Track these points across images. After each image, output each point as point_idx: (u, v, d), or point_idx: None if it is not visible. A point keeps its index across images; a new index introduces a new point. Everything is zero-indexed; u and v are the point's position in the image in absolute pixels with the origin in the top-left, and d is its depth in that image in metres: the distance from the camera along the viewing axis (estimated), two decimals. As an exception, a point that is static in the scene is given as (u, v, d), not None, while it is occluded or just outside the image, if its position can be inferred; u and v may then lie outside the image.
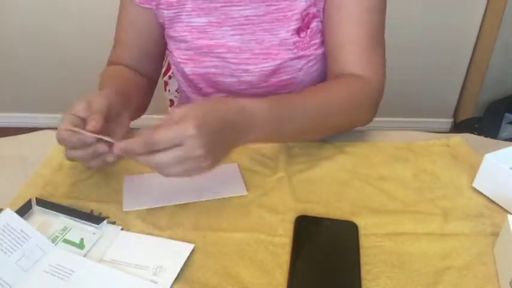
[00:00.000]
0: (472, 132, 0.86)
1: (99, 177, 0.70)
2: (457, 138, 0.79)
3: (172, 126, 0.54)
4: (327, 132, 0.76)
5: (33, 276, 0.54)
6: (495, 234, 0.60)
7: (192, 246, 0.58)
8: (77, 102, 0.62)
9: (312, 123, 0.70)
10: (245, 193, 0.67)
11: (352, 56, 0.76)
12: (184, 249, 0.57)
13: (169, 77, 1.15)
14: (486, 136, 0.88)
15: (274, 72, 0.83)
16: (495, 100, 2.18)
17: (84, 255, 0.57)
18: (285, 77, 0.83)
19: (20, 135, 0.81)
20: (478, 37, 2.05)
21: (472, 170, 0.70)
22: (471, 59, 2.11)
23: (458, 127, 2.22)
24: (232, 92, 0.88)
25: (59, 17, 2.00)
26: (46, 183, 0.69)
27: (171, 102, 1.18)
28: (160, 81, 1.16)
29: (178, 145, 0.54)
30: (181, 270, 0.55)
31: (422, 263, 0.57)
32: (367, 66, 0.76)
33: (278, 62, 0.81)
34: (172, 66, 0.93)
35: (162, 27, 0.87)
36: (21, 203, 0.63)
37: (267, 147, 0.77)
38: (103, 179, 0.70)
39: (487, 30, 2.01)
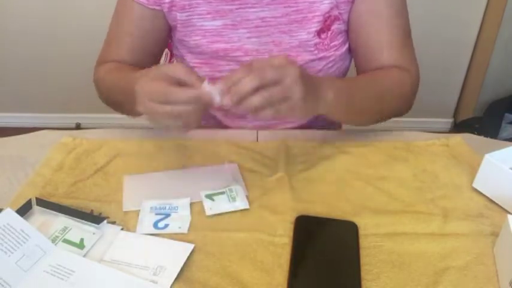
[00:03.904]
0: (472, 132, 0.86)
1: (99, 177, 0.70)
2: (457, 138, 0.79)
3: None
4: (377, 117, 0.80)
5: (33, 276, 0.54)
6: (495, 234, 0.60)
7: (192, 246, 0.58)
8: (167, 66, 0.61)
9: (370, 104, 0.76)
10: (245, 193, 0.67)
11: (394, 57, 0.81)
12: (184, 249, 0.57)
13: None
14: (486, 136, 0.89)
15: None
16: (495, 100, 2.18)
17: (84, 255, 0.57)
18: None
19: (20, 135, 0.81)
20: (478, 37, 2.05)
21: (472, 170, 0.70)
22: (471, 59, 2.11)
23: (458, 127, 2.22)
24: None
25: (59, 17, 2.00)
26: (46, 183, 0.69)
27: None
28: (160, 81, 1.16)
29: (278, 82, 0.56)
30: (181, 270, 0.55)
31: (422, 263, 0.57)
32: (407, 60, 0.82)
33: (299, 63, 0.81)
34: None
35: (167, 30, 0.86)
36: (21, 203, 0.63)
37: (267, 147, 0.77)
38: (103, 179, 0.70)
39: (487, 30, 2.01)
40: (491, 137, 0.89)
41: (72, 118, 2.23)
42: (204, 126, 0.93)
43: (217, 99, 0.57)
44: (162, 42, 0.88)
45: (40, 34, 2.04)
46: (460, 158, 0.75)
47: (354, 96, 0.72)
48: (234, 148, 0.77)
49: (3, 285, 0.52)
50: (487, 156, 0.65)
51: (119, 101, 0.78)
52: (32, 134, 0.81)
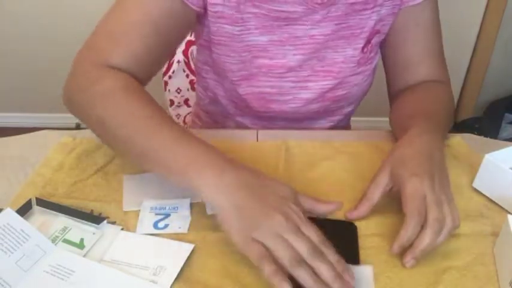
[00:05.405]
0: (472, 132, 0.86)
1: (99, 177, 0.70)
2: (457, 138, 0.80)
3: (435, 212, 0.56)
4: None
5: (33, 276, 0.54)
6: (495, 234, 0.60)
7: (192, 246, 0.58)
8: None
9: (448, 125, 0.78)
10: None
11: (433, 67, 0.82)
12: (184, 249, 0.57)
13: (170, 77, 1.15)
14: (486, 136, 0.88)
15: (332, 88, 0.82)
16: (495, 100, 2.18)
17: (84, 255, 0.57)
18: (340, 93, 0.83)
19: (20, 135, 0.81)
20: (478, 37, 2.05)
21: (472, 170, 0.70)
22: (471, 59, 2.11)
23: (458, 127, 2.22)
24: (284, 111, 0.84)
25: (59, 17, 2.00)
26: (46, 183, 0.69)
27: (171, 102, 1.18)
28: (161, 81, 1.16)
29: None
30: (181, 270, 0.55)
31: (422, 263, 0.57)
32: (444, 71, 0.84)
33: (339, 80, 0.80)
34: (210, 82, 0.85)
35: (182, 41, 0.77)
36: (21, 203, 0.63)
37: (267, 147, 0.77)
38: (103, 179, 0.70)
39: (487, 30, 2.01)
40: (491, 137, 0.89)
41: (72, 118, 2.19)
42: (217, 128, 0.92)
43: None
44: (172, 54, 0.81)
45: (40, 34, 2.04)
46: (460, 158, 0.75)
47: (444, 132, 0.74)
48: (234, 148, 0.77)
49: (3, 285, 0.52)
50: (487, 156, 0.65)
51: (138, 150, 0.61)
52: (32, 134, 0.81)
